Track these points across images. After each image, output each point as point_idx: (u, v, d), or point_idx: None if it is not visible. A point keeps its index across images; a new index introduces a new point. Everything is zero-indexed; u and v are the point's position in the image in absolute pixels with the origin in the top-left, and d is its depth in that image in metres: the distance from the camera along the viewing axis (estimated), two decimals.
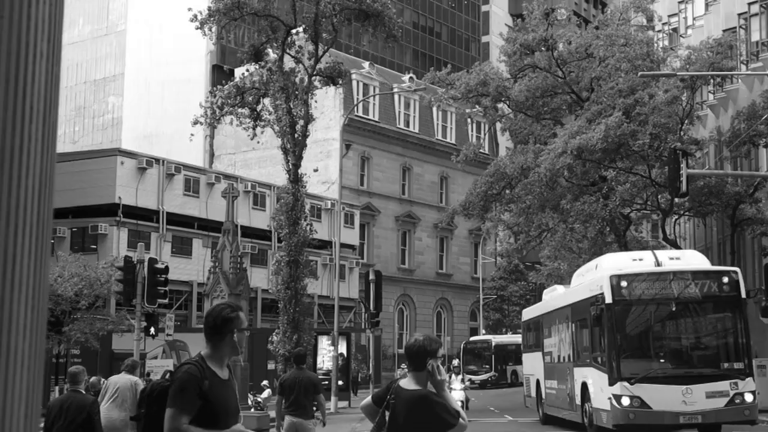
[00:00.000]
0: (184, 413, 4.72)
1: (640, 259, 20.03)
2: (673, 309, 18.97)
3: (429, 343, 5.46)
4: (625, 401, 18.06)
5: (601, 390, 19.07)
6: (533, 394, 27.75)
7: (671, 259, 19.97)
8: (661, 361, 19.02)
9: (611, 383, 18.37)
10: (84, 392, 10.53)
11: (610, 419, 18.52)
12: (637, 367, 18.53)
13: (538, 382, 26.79)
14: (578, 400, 21.18)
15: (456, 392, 26.04)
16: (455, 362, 30.88)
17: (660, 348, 19.40)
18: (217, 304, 5.24)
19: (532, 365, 28.31)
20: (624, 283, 18.67)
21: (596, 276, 20.25)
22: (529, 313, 30.42)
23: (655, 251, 20.80)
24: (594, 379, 19.83)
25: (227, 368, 5.00)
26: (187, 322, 43.48)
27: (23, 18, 1.31)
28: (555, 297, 25.91)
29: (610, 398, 18.34)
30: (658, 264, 19.33)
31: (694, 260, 20.10)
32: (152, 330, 25.95)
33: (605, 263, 20.76)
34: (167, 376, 4.97)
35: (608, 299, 18.63)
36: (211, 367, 4.85)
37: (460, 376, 28.74)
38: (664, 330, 19.52)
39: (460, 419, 5.28)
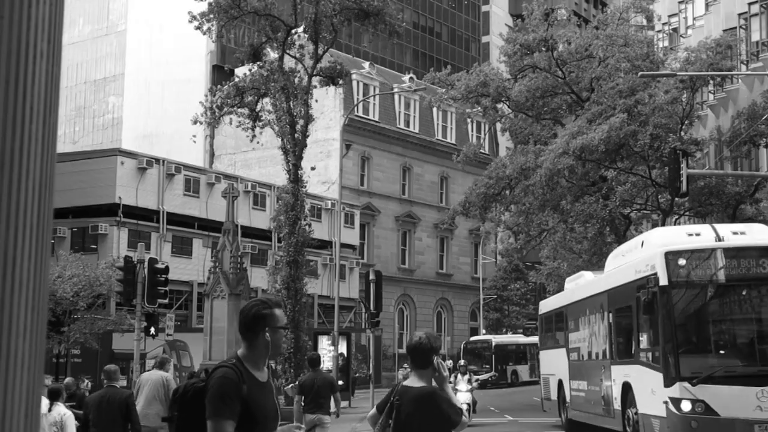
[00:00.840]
0: (228, 421, 4.33)
1: (697, 234, 16.79)
2: (744, 293, 15.96)
3: (434, 340, 5.62)
4: (686, 406, 14.81)
5: (652, 392, 15.91)
6: (554, 396, 24.84)
7: (735, 233, 16.78)
8: (729, 356, 15.70)
9: (668, 384, 15.17)
10: (119, 387, 11.18)
11: (665, 428, 15.34)
12: (699, 364, 15.23)
13: (560, 382, 23.92)
14: (617, 405, 18.17)
15: (462, 394, 23.93)
16: (462, 362, 27.04)
17: (728, 341, 16.16)
18: (252, 299, 4.92)
19: (552, 364, 25.39)
20: (682, 261, 15.54)
21: (645, 254, 16.98)
22: (547, 305, 27.34)
23: (714, 224, 18.01)
24: (641, 379, 16.71)
25: (266, 369, 4.65)
26: (188, 322, 43.50)
27: (23, 18, 1.31)
28: (583, 285, 22.73)
29: (666, 402, 15.11)
30: (719, 239, 16.33)
31: (763, 235, 17.00)
32: (152, 330, 25.99)
33: (655, 239, 17.47)
34: (202, 375, 4.67)
35: (663, 281, 15.46)
36: (249, 369, 4.50)
37: (466, 376, 25.67)
38: (733, 318, 16.21)
39: (463, 417, 5.38)
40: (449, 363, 27.10)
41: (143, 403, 12.92)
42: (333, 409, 13.34)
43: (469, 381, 25.35)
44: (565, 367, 23.39)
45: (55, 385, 11.67)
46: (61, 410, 10.38)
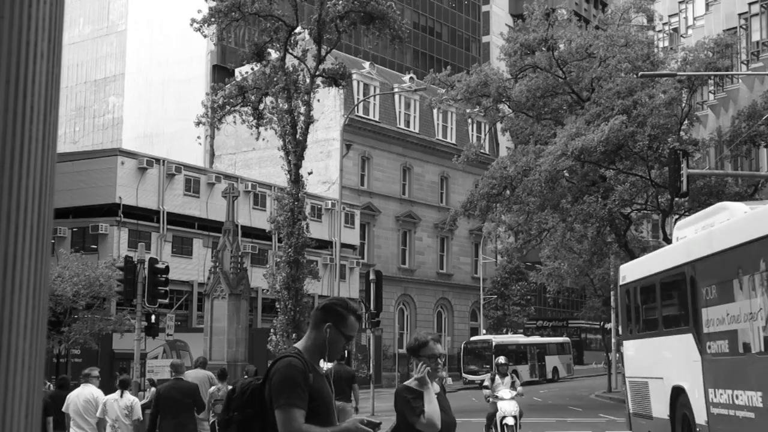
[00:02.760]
0: (300, 410, 4.17)
1: None
2: None
3: (411, 341, 5.79)
4: None
5: None
6: (661, 413, 15.72)
7: None
8: None
9: None
10: (184, 379, 12.72)
11: None
12: None
13: (677, 391, 14.91)
14: None
15: (505, 403, 17.62)
16: (501, 359, 19.40)
17: None
18: (338, 297, 4.93)
19: (654, 360, 16.54)
20: None
21: None
22: (642, 267, 17.69)
23: None
24: None
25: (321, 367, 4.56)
26: (188, 322, 43.50)
27: (23, 18, 1.31)
28: (734, 223, 13.31)
29: None
30: None
31: None
32: (152, 329, 25.97)
33: None
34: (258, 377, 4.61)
35: None
36: (310, 361, 4.40)
37: (507, 378, 18.29)
38: None
39: (422, 418, 5.47)
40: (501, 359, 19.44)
41: None
42: (353, 402, 14.89)
43: (513, 385, 18.20)
44: (692, 366, 14.26)
45: (125, 375, 13.54)
46: (130, 397, 12.48)
